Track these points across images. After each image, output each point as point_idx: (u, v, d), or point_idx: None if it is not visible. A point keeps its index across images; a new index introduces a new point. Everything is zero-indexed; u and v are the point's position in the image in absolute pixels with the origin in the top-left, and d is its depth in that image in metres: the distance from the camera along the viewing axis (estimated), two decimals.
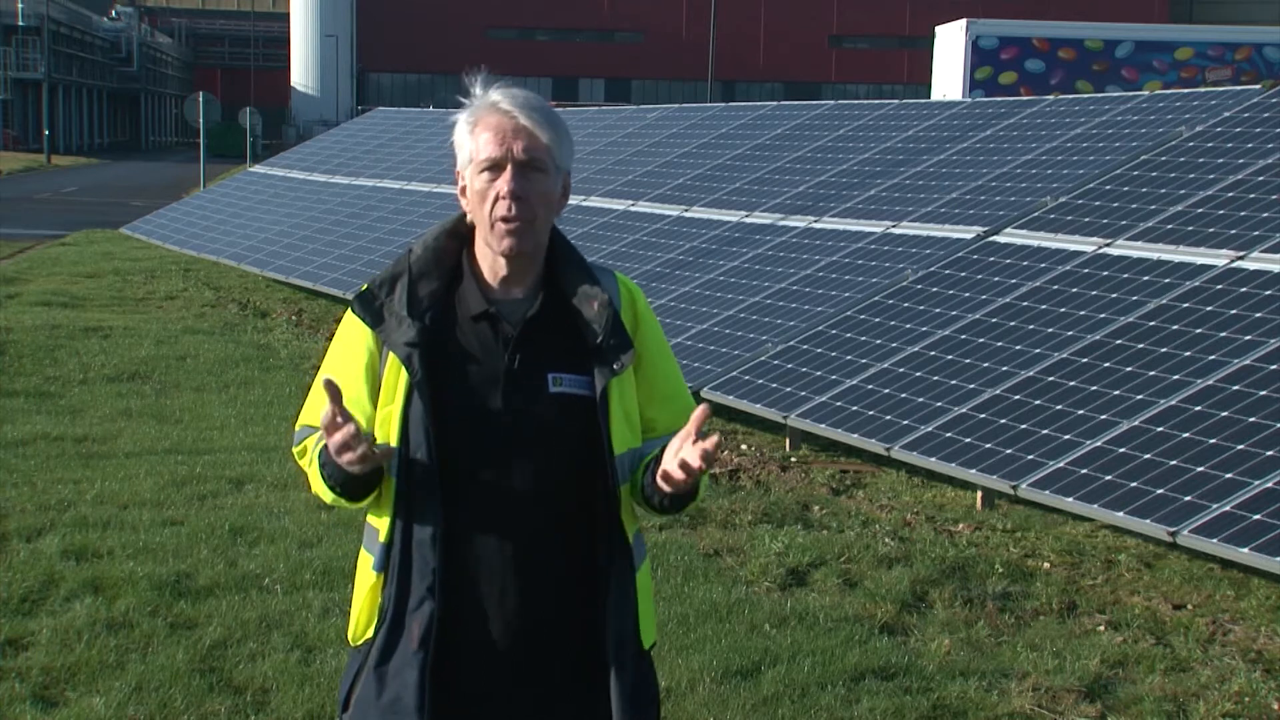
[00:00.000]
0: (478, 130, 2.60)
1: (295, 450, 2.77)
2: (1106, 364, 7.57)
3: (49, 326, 12.90)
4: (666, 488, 2.55)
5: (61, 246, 21.47)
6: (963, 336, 8.58)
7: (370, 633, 2.63)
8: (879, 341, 8.97)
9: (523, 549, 2.60)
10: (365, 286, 2.70)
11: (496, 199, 2.57)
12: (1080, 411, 7.20)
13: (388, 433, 2.62)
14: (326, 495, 2.63)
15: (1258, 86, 10.78)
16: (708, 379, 9.33)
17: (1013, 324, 8.47)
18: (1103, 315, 8.11)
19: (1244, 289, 7.75)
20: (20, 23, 68.08)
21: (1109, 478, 6.54)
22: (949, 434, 7.52)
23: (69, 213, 29.34)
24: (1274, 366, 6.90)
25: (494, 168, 2.58)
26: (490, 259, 2.65)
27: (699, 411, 2.50)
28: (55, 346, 11.84)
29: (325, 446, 2.55)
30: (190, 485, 7.58)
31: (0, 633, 5.37)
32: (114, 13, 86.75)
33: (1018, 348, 8.14)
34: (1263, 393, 6.71)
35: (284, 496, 7.35)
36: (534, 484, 2.59)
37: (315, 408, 2.72)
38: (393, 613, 2.60)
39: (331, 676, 4.96)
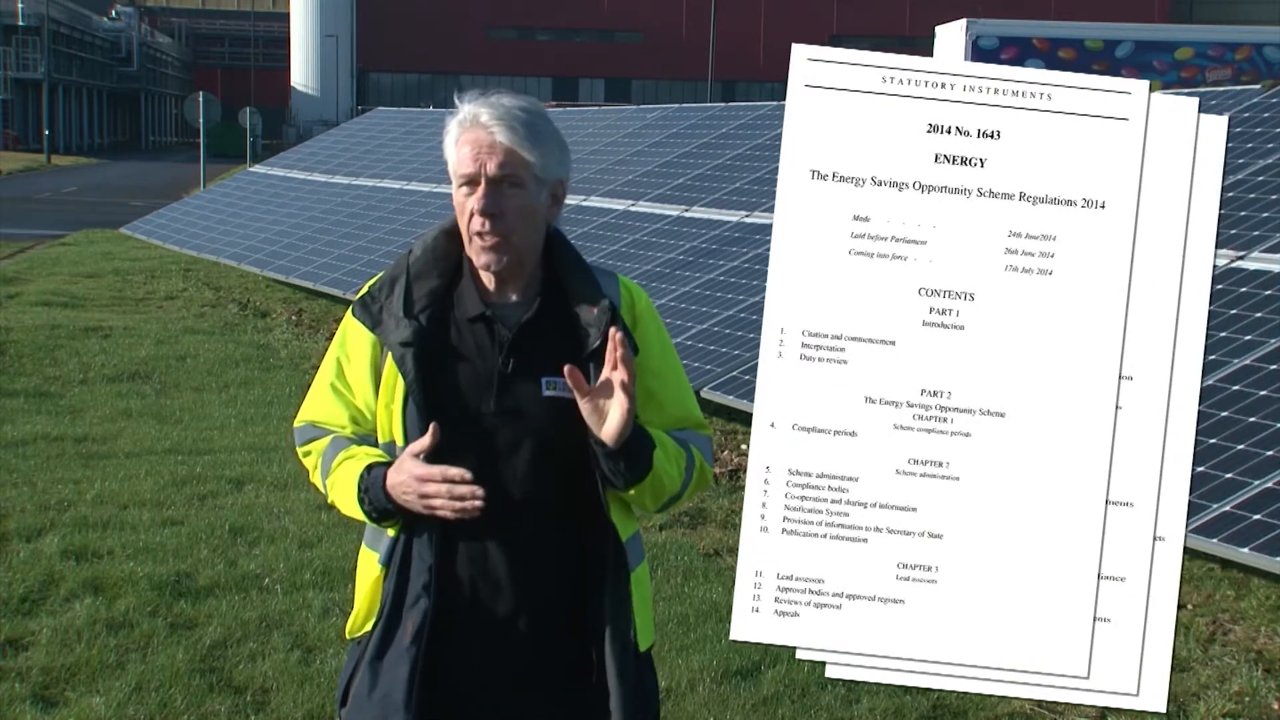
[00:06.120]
0: (459, 144, 2.61)
1: (300, 450, 2.77)
2: None
3: (49, 326, 12.90)
4: (606, 441, 2.49)
5: (61, 246, 21.48)
6: None
7: (369, 626, 2.65)
8: None
9: (517, 550, 2.60)
10: (365, 289, 2.71)
11: (472, 214, 2.59)
12: None
13: (388, 428, 2.64)
14: (355, 514, 2.64)
15: (1258, 86, 10.78)
16: (708, 379, 9.33)
17: None
18: None
19: (1244, 289, 7.75)
20: (20, 23, 68.13)
21: None
22: None
23: (69, 213, 29.33)
24: (1274, 366, 6.90)
25: (470, 183, 2.59)
26: None
27: (613, 335, 2.46)
28: (55, 346, 11.84)
29: (367, 472, 2.56)
30: (190, 485, 7.58)
31: (0, 633, 5.37)
32: (114, 13, 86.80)
33: None
34: (1263, 393, 6.71)
35: (284, 496, 7.35)
36: (526, 487, 2.59)
37: (319, 405, 2.74)
38: (390, 607, 2.61)
39: (331, 676, 4.96)
